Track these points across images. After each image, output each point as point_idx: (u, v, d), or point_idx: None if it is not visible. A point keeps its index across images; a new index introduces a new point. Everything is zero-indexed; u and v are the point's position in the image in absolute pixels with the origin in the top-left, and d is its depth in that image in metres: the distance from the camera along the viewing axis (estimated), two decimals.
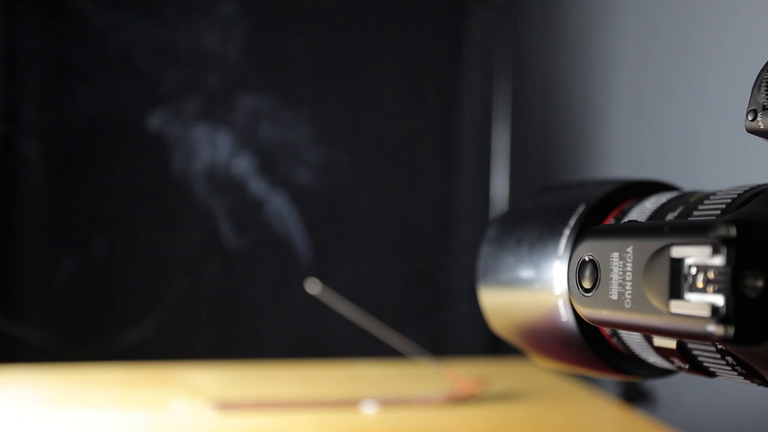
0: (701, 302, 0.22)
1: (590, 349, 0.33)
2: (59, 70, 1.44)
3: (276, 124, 1.50)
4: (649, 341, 0.30)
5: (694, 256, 0.23)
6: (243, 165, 1.57)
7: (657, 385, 0.99)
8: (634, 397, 0.95)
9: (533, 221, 0.35)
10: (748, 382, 0.27)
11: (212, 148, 1.55)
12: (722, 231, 0.22)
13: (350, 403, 0.83)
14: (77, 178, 1.49)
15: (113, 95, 1.46)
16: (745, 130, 0.28)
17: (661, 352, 0.30)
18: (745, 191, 0.26)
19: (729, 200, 0.26)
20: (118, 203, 1.51)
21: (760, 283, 0.22)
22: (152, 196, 1.52)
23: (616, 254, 0.26)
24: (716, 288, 0.22)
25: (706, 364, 0.28)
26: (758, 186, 0.27)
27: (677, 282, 0.23)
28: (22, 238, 1.47)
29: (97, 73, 1.46)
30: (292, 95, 1.41)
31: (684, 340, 0.27)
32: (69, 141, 1.48)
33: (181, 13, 1.41)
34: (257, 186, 1.57)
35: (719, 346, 0.26)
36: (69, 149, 1.48)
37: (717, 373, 0.28)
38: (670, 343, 0.29)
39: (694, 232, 0.23)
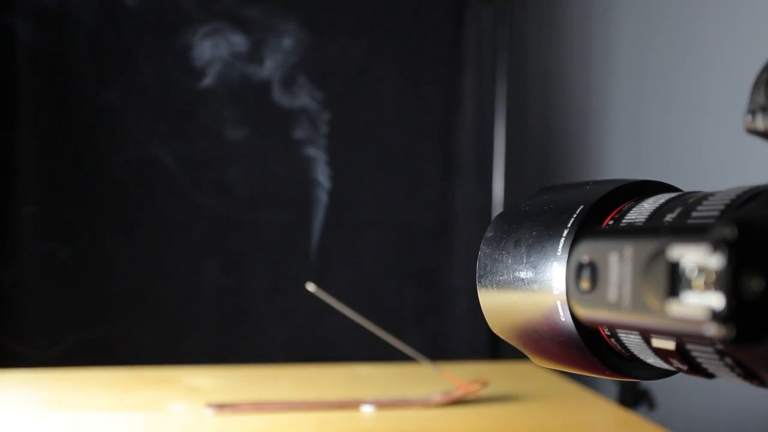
0: (701, 303, 0.22)
1: (589, 350, 0.33)
2: (58, 66, 1.44)
3: (275, 123, 1.50)
4: (648, 342, 0.30)
5: (694, 257, 0.23)
6: (245, 163, 1.56)
7: (655, 386, 0.99)
8: (633, 398, 0.95)
9: (532, 222, 0.35)
10: (747, 383, 0.27)
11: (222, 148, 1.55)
12: (722, 232, 0.22)
13: (349, 405, 0.83)
14: (75, 173, 1.49)
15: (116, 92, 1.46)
16: (743, 130, 0.28)
17: (660, 353, 0.30)
18: (745, 192, 0.26)
19: (728, 201, 0.26)
20: (117, 201, 1.51)
21: (759, 285, 0.22)
22: (153, 196, 1.52)
23: (614, 255, 0.26)
24: (716, 289, 0.22)
25: (704, 365, 0.28)
26: (757, 187, 0.27)
27: (676, 283, 0.23)
28: (17, 234, 1.46)
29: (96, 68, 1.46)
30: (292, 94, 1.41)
31: (683, 341, 0.27)
32: (66, 134, 1.48)
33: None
34: (257, 187, 1.57)
35: (718, 347, 0.26)
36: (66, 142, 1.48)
37: (716, 374, 0.28)
38: (669, 344, 0.29)
39: (693, 233, 0.23)
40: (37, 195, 1.45)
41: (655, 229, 0.26)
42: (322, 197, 1.51)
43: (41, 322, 1.44)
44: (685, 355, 0.28)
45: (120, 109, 1.48)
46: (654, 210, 0.31)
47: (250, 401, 0.82)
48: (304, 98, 1.34)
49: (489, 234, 0.38)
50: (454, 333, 1.61)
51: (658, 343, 0.29)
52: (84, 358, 1.19)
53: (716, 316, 0.22)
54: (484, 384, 0.85)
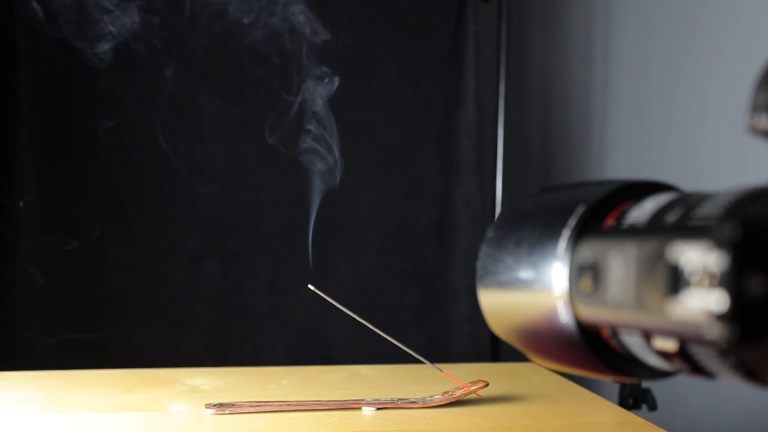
0: (703, 303, 0.22)
1: (589, 350, 0.33)
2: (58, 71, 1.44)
3: (275, 123, 1.50)
4: (649, 343, 0.30)
5: (697, 257, 0.23)
6: (245, 164, 1.56)
7: (656, 386, 0.99)
8: (634, 398, 0.95)
9: (532, 222, 0.35)
10: (749, 383, 0.26)
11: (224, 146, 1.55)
12: (727, 232, 0.21)
13: (349, 405, 0.82)
14: (76, 173, 1.49)
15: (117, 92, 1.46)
16: (745, 129, 0.28)
17: (662, 353, 0.30)
18: (747, 192, 0.26)
19: (731, 201, 0.26)
20: (117, 201, 1.50)
21: (762, 284, 0.22)
22: (153, 197, 1.51)
23: (616, 255, 0.26)
24: (719, 289, 0.22)
25: (706, 366, 0.28)
26: (759, 187, 0.27)
27: (679, 283, 0.23)
28: (16, 234, 1.46)
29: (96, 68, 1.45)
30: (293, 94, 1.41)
31: (685, 340, 0.27)
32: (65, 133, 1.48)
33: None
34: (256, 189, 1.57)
35: (720, 347, 0.26)
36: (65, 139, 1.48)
37: (717, 375, 0.28)
38: (671, 345, 0.28)
39: (696, 233, 0.23)
40: (36, 195, 1.45)
41: (657, 229, 0.26)
42: (322, 197, 1.51)
43: (40, 323, 1.44)
44: (686, 356, 0.28)
45: (120, 110, 1.48)
46: (655, 210, 0.30)
47: (250, 401, 0.82)
48: (304, 98, 1.34)
49: (490, 234, 0.38)
50: (454, 333, 1.61)
51: (659, 343, 0.29)
52: (83, 359, 1.18)
53: (720, 316, 0.22)
54: (485, 384, 0.84)
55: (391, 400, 0.84)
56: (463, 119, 1.61)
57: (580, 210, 0.33)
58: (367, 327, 0.86)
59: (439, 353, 1.58)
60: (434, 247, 1.61)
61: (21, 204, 1.43)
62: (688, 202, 0.29)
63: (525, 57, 1.87)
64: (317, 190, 1.27)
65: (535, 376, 1.00)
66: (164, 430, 0.75)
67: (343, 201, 1.55)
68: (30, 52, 1.42)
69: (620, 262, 0.26)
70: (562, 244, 0.32)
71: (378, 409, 0.82)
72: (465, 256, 1.60)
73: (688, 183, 1.19)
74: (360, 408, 0.82)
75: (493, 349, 1.62)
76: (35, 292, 1.44)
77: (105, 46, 1.32)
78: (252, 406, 0.81)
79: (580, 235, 0.32)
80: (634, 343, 0.31)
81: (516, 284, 0.35)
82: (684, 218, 0.28)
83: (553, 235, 0.33)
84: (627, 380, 0.92)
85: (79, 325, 1.45)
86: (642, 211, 0.31)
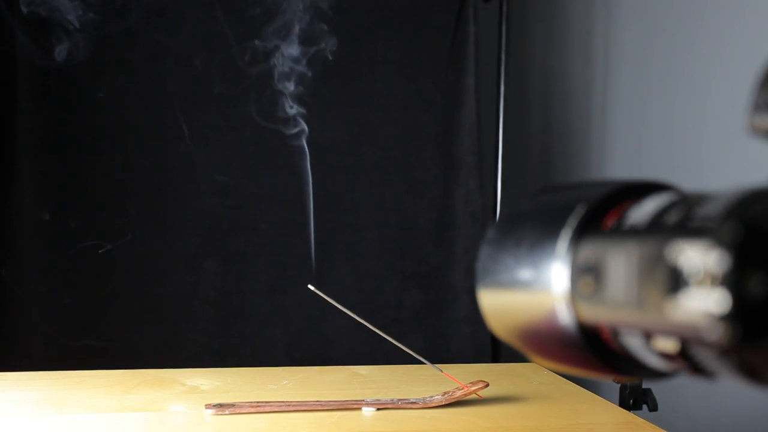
0: (704, 303, 0.22)
1: (590, 350, 0.33)
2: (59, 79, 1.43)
3: (275, 124, 1.50)
4: (650, 343, 0.30)
5: (698, 256, 0.22)
6: (245, 164, 1.56)
7: (657, 387, 0.99)
8: (634, 399, 0.95)
9: (532, 222, 0.35)
10: (750, 383, 0.26)
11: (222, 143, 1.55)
12: (729, 232, 0.21)
13: (349, 406, 0.82)
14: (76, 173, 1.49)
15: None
16: (745, 129, 0.27)
17: (662, 354, 0.30)
18: (748, 191, 0.26)
19: (732, 201, 0.26)
20: (117, 203, 1.50)
21: (763, 285, 0.21)
22: (153, 197, 1.51)
23: (617, 255, 0.26)
24: (720, 289, 0.22)
25: (707, 366, 0.28)
26: (761, 186, 0.27)
27: (680, 282, 0.23)
28: (17, 235, 1.46)
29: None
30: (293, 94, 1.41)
31: (686, 341, 0.27)
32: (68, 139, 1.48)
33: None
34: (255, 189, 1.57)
35: (722, 348, 0.26)
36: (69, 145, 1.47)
37: (718, 375, 0.28)
38: (671, 345, 0.28)
39: (698, 233, 0.23)
40: (36, 197, 1.45)
41: (658, 228, 0.26)
42: (321, 197, 1.51)
43: (41, 324, 1.44)
44: (687, 356, 0.28)
45: (120, 112, 1.48)
46: (656, 210, 0.30)
47: (250, 401, 0.82)
48: (303, 99, 1.34)
49: (490, 234, 0.38)
50: (454, 333, 1.61)
51: (660, 343, 0.29)
52: (84, 361, 1.18)
53: (721, 317, 0.22)
54: (485, 384, 0.84)
55: (391, 400, 0.84)
56: (463, 119, 1.61)
57: (580, 210, 0.33)
58: (367, 327, 0.85)
59: (439, 353, 1.58)
60: (434, 247, 1.61)
61: (22, 212, 1.42)
62: (688, 202, 0.29)
63: (525, 57, 1.86)
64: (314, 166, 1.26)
65: (535, 376, 1.00)
66: (164, 431, 0.75)
67: (343, 201, 1.55)
68: (29, 59, 1.41)
69: (621, 263, 0.26)
70: (563, 244, 0.32)
71: (378, 409, 0.82)
72: (465, 256, 1.60)
73: (688, 183, 1.19)
74: (360, 408, 0.82)
75: (493, 349, 1.62)
76: (36, 291, 1.44)
77: (96, 47, 1.32)
78: (252, 407, 0.81)
79: (580, 235, 0.32)
80: (634, 343, 0.31)
81: (516, 284, 0.35)
82: (685, 218, 0.28)
83: (554, 235, 0.33)
84: (627, 381, 0.92)
85: (79, 329, 1.45)
86: (642, 211, 0.31)
